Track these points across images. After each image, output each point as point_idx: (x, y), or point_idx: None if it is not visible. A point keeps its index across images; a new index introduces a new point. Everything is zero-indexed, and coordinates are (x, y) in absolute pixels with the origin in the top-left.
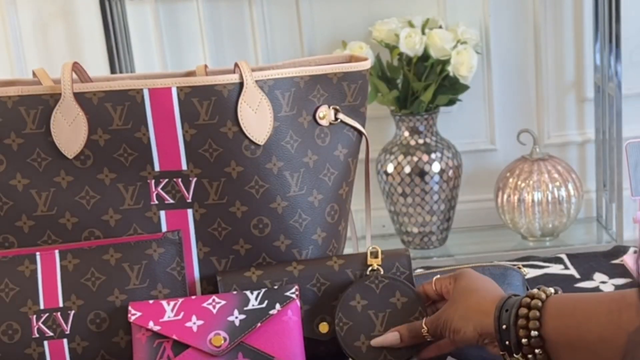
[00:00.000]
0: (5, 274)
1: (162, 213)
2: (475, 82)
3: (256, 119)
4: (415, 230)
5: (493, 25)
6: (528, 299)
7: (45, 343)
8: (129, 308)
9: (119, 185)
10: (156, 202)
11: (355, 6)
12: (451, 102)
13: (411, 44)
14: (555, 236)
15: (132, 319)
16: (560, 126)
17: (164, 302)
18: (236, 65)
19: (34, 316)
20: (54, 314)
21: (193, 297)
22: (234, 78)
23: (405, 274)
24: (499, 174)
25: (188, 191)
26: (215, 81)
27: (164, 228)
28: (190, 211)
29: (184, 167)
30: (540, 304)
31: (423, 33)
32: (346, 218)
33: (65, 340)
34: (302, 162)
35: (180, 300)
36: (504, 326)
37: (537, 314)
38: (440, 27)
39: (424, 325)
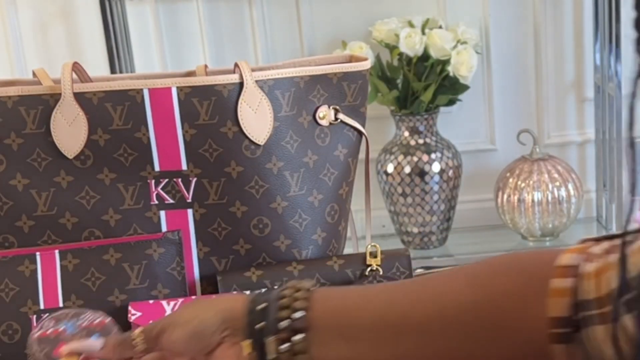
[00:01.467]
0: (5, 274)
1: (162, 213)
2: (475, 82)
3: (256, 119)
4: (415, 230)
5: (493, 25)
6: (292, 284)
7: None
8: (129, 308)
9: (119, 185)
10: (156, 202)
11: (355, 6)
12: (451, 102)
13: (411, 44)
14: (555, 236)
15: (132, 319)
16: (560, 126)
17: (164, 302)
18: (236, 65)
19: (34, 316)
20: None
21: (193, 297)
22: (234, 78)
23: (405, 274)
24: (499, 174)
25: (188, 191)
26: (215, 81)
27: (164, 228)
28: (190, 211)
29: (184, 167)
30: (307, 285)
31: (423, 33)
32: (346, 218)
33: None
34: (302, 162)
35: (180, 300)
36: (262, 305)
37: (305, 294)
38: (440, 27)
39: (136, 334)
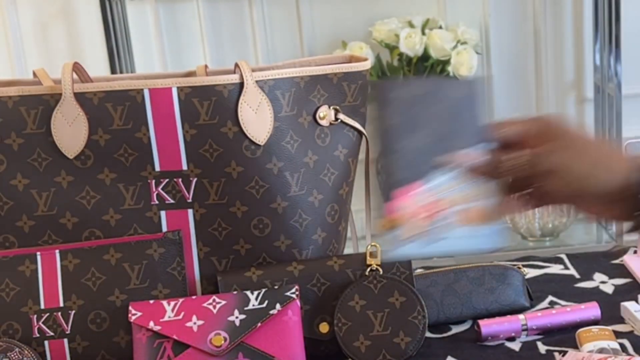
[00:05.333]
0: (6, 274)
1: (163, 213)
2: None
3: (256, 119)
4: None
5: (493, 25)
6: None
7: (46, 343)
8: (130, 308)
9: (120, 185)
10: (156, 202)
11: (355, 6)
12: None
13: (411, 44)
14: (555, 236)
15: (132, 318)
16: None
17: (165, 302)
18: (236, 65)
19: (35, 316)
20: (55, 313)
21: (193, 297)
22: (234, 78)
23: (405, 274)
24: None
25: (188, 191)
26: (216, 81)
27: (164, 228)
28: (190, 211)
29: (184, 167)
30: None
31: (423, 33)
32: (346, 218)
33: (65, 340)
34: (302, 162)
35: (181, 300)
36: None
37: None
38: (440, 27)
39: (526, 154)
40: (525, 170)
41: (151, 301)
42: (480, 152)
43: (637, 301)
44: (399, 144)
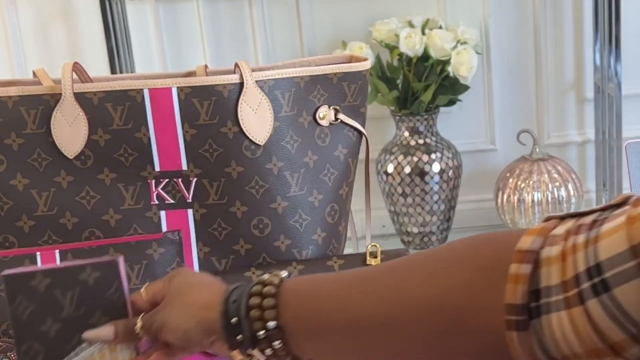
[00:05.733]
0: None
1: (163, 213)
2: (475, 82)
3: (256, 119)
4: (415, 230)
5: (493, 25)
6: (259, 287)
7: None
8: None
9: (120, 185)
10: (156, 202)
11: (355, 6)
12: (451, 103)
13: (411, 44)
14: None
15: None
16: (560, 126)
17: None
18: (236, 65)
19: None
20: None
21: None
22: (234, 78)
23: None
24: (499, 174)
25: (188, 191)
26: (216, 81)
27: (164, 228)
28: (190, 211)
29: (184, 167)
30: (274, 290)
31: (423, 33)
32: (346, 218)
33: None
34: (302, 162)
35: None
36: (234, 319)
37: (272, 301)
38: (440, 27)
39: (138, 321)
40: (146, 331)
41: None
42: (118, 324)
43: None
44: (35, 333)
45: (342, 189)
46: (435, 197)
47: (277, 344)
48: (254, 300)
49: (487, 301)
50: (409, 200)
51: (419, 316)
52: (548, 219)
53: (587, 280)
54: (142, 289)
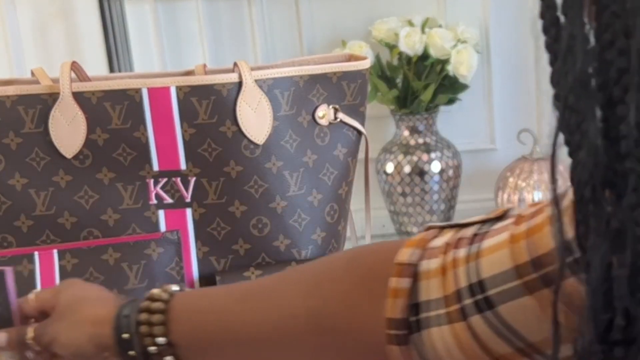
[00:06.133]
0: None
1: (161, 213)
2: (475, 81)
3: (255, 118)
4: (415, 230)
5: (493, 25)
6: (148, 302)
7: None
8: None
9: (118, 185)
10: (155, 201)
11: (354, 5)
12: (451, 102)
13: (411, 43)
14: None
15: None
16: None
17: None
18: (235, 64)
19: None
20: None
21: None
22: (233, 77)
23: None
24: (499, 173)
25: (187, 191)
26: (214, 80)
27: (162, 228)
28: (189, 211)
29: (183, 166)
30: (162, 305)
31: (423, 32)
32: (346, 218)
33: None
34: (301, 161)
35: None
36: (126, 335)
37: (162, 317)
38: (440, 26)
39: (30, 331)
40: (37, 342)
41: None
42: (11, 331)
43: None
44: None
45: (342, 188)
46: (435, 197)
47: (169, 358)
48: (143, 316)
49: (366, 315)
50: (409, 199)
51: (299, 332)
52: (428, 229)
53: (469, 297)
54: (31, 294)
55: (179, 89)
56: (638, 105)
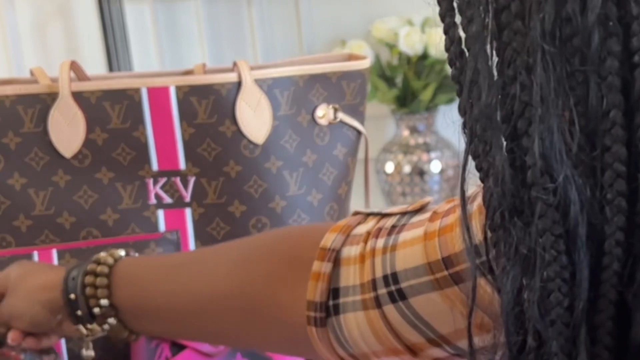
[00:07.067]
0: None
1: (161, 212)
2: None
3: (255, 118)
4: None
5: None
6: (94, 265)
7: None
8: None
9: (117, 185)
10: (154, 201)
11: (354, 5)
12: (451, 101)
13: (410, 43)
14: None
15: None
16: None
17: None
18: (235, 64)
19: None
20: None
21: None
22: (232, 77)
23: None
24: None
25: (186, 190)
26: (214, 80)
27: (162, 228)
28: (188, 210)
29: (183, 166)
30: (107, 269)
31: (423, 32)
32: (345, 218)
33: (63, 340)
34: (301, 161)
35: None
36: (72, 295)
37: (105, 281)
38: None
39: None
40: None
41: None
42: None
43: None
44: None
45: (341, 188)
46: (435, 197)
47: (112, 320)
48: (89, 279)
49: (288, 294)
50: (409, 199)
51: (224, 307)
52: (355, 214)
53: (383, 287)
54: None
55: (178, 88)
56: (542, 136)
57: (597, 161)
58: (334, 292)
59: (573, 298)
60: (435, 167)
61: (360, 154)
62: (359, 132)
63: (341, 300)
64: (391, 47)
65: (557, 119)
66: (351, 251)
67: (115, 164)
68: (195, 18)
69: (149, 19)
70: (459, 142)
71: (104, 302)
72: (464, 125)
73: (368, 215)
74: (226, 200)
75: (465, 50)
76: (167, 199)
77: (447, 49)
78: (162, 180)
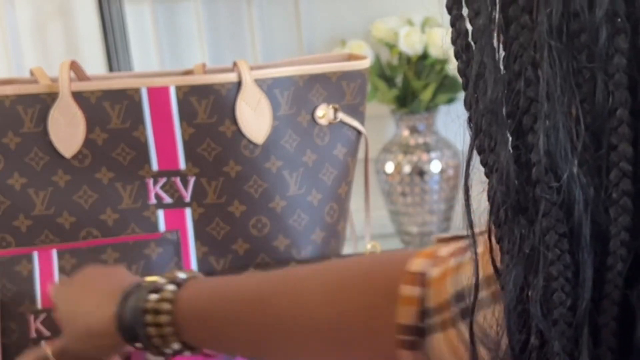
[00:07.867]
0: (3, 274)
1: (160, 212)
2: None
3: (255, 118)
4: (415, 230)
5: None
6: (153, 300)
7: (43, 343)
8: None
9: (117, 185)
10: (154, 201)
11: (354, 5)
12: (451, 101)
13: (410, 43)
14: None
15: None
16: None
17: None
18: (235, 64)
19: (32, 316)
20: (52, 314)
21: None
22: (232, 77)
23: None
24: None
25: (186, 190)
26: (214, 80)
27: (162, 228)
28: (188, 210)
29: (182, 166)
30: (169, 306)
31: (423, 32)
32: (345, 218)
33: None
34: (301, 161)
35: None
36: (139, 344)
37: (169, 318)
38: (440, 25)
39: (47, 350)
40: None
41: None
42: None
43: None
44: None
45: (341, 188)
46: (435, 197)
47: (176, 345)
48: (150, 318)
49: (381, 322)
50: (409, 199)
51: (317, 335)
52: (439, 240)
53: (455, 304)
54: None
55: (178, 88)
56: (547, 133)
57: (603, 160)
58: (422, 314)
59: (576, 297)
60: (435, 167)
61: (360, 154)
62: (359, 132)
63: (428, 321)
64: (391, 47)
65: (562, 116)
66: (435, 272)
67: (115, 164)
68: (195, 18)
69: (149, 19)
70: (459, 142)
71: (176, 345)
72: (469, 120)
73: (450, 239)
74: (226, 200)
75: (472, 43)
76: (167, 199)
77: (453, 42)
78: (162, 180)
